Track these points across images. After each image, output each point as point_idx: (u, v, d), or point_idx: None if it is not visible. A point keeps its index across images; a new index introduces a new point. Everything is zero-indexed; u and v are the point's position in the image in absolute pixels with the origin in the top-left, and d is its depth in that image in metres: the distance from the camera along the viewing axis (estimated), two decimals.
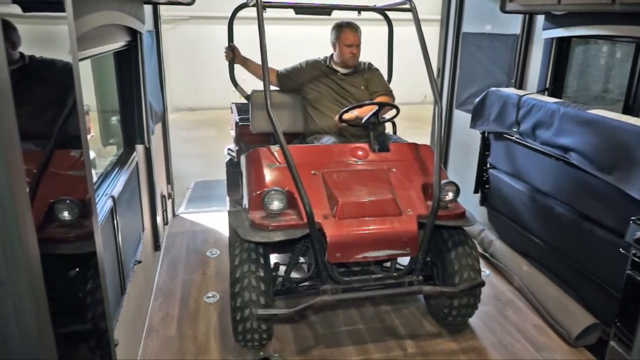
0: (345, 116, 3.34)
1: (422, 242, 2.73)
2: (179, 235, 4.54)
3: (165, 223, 4.58)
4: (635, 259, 2.14)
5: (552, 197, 3.25)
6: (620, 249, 2.21)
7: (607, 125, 2.70)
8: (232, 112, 4.42)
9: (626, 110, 3.17)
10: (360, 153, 3.10)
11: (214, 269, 3.94)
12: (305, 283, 3.02)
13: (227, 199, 4.27)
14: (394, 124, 3.87)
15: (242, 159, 3.31)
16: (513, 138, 3.58)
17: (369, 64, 3.79)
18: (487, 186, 4.05)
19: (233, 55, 3.75)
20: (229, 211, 3.08)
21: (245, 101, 3.89)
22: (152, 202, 3.73)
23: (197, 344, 3.02)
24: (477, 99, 3.95)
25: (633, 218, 2.20)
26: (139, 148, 3.28)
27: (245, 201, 2.96)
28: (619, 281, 2.30)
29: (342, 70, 3.67)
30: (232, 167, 4.18)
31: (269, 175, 2.85)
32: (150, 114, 3.39)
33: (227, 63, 3.83)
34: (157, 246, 3.94)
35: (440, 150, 2.90)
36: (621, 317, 2.26)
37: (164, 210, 4.48)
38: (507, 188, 3.75)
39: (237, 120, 4.09)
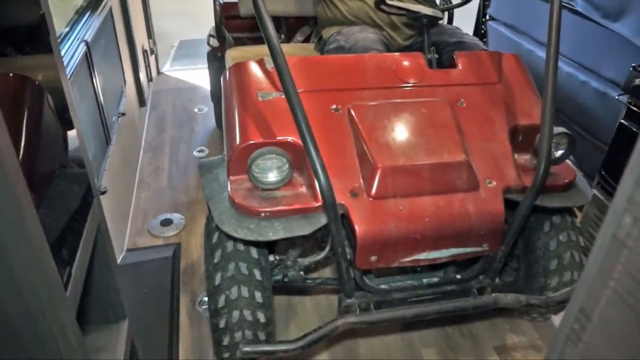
0: (390, 1, 2.17)
1: (508, 233, 1.66)
2: (164, 92, 4.42)
3: (150, 80, 4.43)
4: (631, 106, 2.10)
5: None
6: (617, 97, 2.17)
7: None
8: None
9: None
10: (409, 68, 1.85)
11: (202, 124, 3.90)
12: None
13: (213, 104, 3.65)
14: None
15: (226, 68, 2.31)
16: None
17: None
18: (485, 40, 3.86)
19: None
20: (200, 162, 1.94)
21: None
22: (132, 54, 3.55)
23: (189, 195, 3.07)
24: None
25: (634, 65, 2.11)
26: None
27: (225, 151, 1.77)
28: (607, 132, 2.29)
29: None
30: (216, 61, 3.16)
31: (260, 116, 1.68)
32: None
33: None
34: (142, 102, 3.85)
35: (554, 75, 1.58)
36: (606, 166, 2.28)
37: (147, 66, 4.30)
38: (505, 42, 3.57)
39: None
